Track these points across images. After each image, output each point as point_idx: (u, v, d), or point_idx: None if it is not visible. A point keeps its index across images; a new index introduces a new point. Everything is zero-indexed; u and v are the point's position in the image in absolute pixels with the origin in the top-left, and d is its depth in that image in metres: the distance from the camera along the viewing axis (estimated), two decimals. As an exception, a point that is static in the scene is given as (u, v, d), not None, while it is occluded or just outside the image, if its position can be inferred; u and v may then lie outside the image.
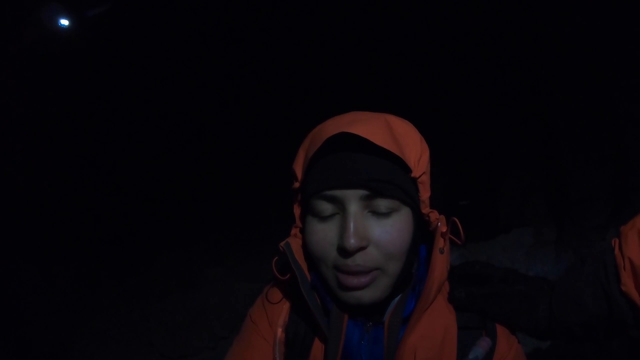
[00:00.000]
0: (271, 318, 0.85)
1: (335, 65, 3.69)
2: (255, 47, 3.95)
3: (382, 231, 0.71)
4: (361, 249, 0.70)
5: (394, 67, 3.67)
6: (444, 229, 0.74)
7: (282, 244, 0.78)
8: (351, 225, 0.69)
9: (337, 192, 0.70)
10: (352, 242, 0.68)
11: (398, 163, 0.71)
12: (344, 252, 0.69)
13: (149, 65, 3.79)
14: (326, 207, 0.72)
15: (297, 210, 0.81)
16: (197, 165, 4.15)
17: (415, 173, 0.72)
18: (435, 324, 0.77)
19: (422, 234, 0.79)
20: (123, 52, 3.60)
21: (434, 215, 0.76)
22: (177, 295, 3.08)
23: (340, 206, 0.71)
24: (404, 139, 0.73)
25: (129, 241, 3.47)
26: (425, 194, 0.75)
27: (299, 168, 0.77)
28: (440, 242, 0.74)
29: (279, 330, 0.83)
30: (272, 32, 3.75)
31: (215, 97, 4.21)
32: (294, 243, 0.79)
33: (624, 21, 2.13)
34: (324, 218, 0.73)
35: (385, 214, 0.71)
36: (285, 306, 0.86)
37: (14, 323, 2.67)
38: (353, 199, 0.70)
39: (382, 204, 0.70)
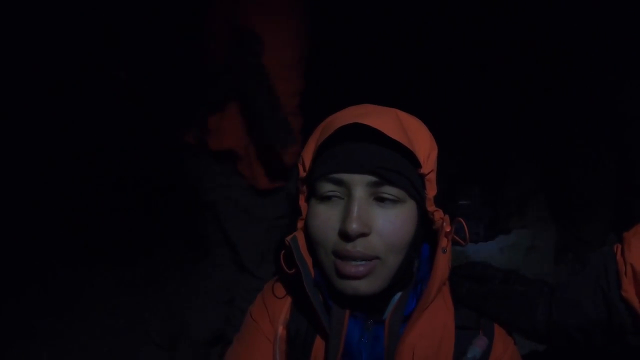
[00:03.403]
0: (272, 315, 0.85)
1: (339, 60, 3.68)
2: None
3: (386, 220, 0.70)
4: (363, 235, 0.69)
5: (396, 66, 3.66)
6: (448, 229, 0.74)
7: (288, 238, 0.78)
8: (355, 209, 0.69)
9: (344, 176, 0.70)
10: (354, 226, 0.67)
11: (407, 158, 0.72)
12: (345, 236, 0.69)
13: (146, 59, 3.78)
14: (331, 190, 0.72)
15: (302, 201, 0.81)
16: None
17: (424, 169, 0.73)
18: (434, 323, 0.77)
19: (424, 232, 0.80)
20: (120, 46, 3.59)
21: (439, 214, 0.76)
22: (174, 287, 3.08)
23: (346, 190, 0.71)
24: (414, 134, 0.73)
25: (126, 232, 3.47)
26: (431, 191, 0.75)
27: (307, 157, 0.77)
28: (443, 242, 0.73)
29: (280, 328, 0.83)
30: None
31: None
32: (300, 237, 0.79)
33: (625, 21, 2.13)
34: (328, 201, 0.73)
35: (391, 204, 0.71)
36: (287, 303, 0.86)
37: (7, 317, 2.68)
38: (360, 184, 0.70)
39: (389, 192, 0.70)
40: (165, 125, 2.25)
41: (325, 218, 0.72)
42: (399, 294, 0.79)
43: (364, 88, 2.68)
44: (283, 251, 0.79)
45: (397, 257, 0.73)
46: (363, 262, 0.71)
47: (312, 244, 0.76)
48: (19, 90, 3.26)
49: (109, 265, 3.24)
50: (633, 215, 2.28)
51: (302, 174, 0.78)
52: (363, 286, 0.72)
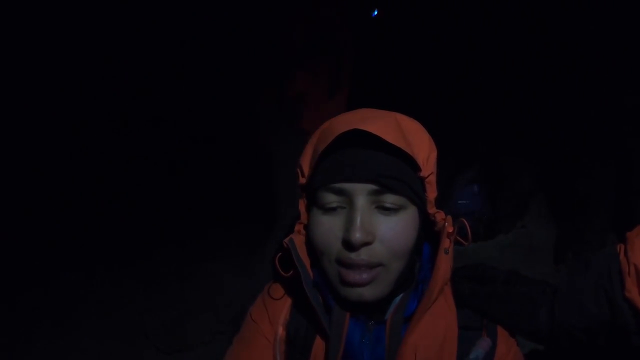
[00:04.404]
0: (272, 316, 0.85)
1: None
2: (254, 44, 3.96)
3: (388, 228, 0.70)
4: (366, 244, 0.69)
5: (396, 67, 3.66)
6: (451, 230, 0.74)
7: (286, 240, 0.78)
8: (358, 219, 0.69)
9: (346, 185, 0.70)
10: (358, 236, 0.67)
11: (407, 162, 0.72)
12: (349, 245, 0.69)
13: (145, 60, 3.79)
14: (333, 200, 0.72)
15: (302, 206, 0.80)
16: (195, 160, 4.14)
17: (424, 172, 0.73)
18: (437, 323, 0.77)
19: (425, 234, 0.79)
20: (118, 49, 3.60)
21: (440, 216, 0.76)
22: (174, 290, 3.08)
23: (348, 200, 0.71)
24: (413, 138, 0.73)
25: (125, 235, 3.47)
26: (432, 194, 0.75)
27: (306, 163, 0.77)
28: (445, 243, 0.73)
29: (280, 328, 0.82)
30: (273, 29, 3.76)
31: (214, 91, 4.20)
32: (298, 239, 0.79)
33: (626, 22, 2.13)
34: (330, 211, 0.73)
35: (393, 211, 0.71)
36: (287, 304, 0.85)
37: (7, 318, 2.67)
38: (361, 193, 0.70)
39: (390, 200, 0.70)
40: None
41: (328, 227, 0.72)
42: (400, 295, 0.78)
43: (365, 90, 2.70)
44: (279, 254, 0.79)
45: (400, 262, 0.73)
46: (367, 270, 0.70)
47: (316, 252, 0.76)
48: (22, 90, 3.30)
49: (108, 269, 3.23)
50: (633, 215, 2.29)
51: (302, 180, 0.78)
52: (367, 293, 0.72)
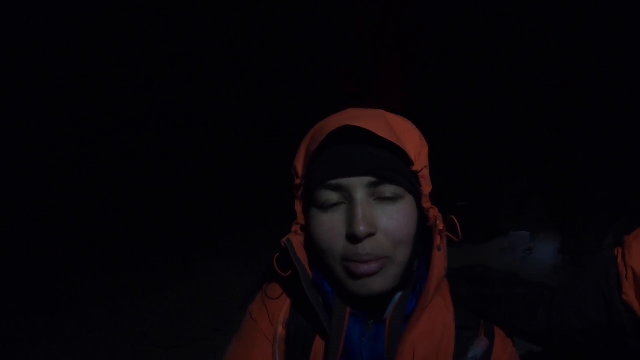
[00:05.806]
0: (272, 315, 0.85)
1: (331, 64, 3.73)
2: (253, 46, 3.97)
3: (389, 218, 0.71)
4: (370, 235, 0.70)
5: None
6: (442, 227, 0.75)
7: (283, 240, 0.78)
8: (359, 211, 0.69)
9: (343, 181, 0.71)
10: (361, 228, 0.68)
11: (400, 157, 0.72)
12: (354, 239, 0.69)
13: (147, 61, 3.79)
14: (332, 197, 0.72)
15: (298, 207, 0.81)
16: (194, 157, 4.15)
17: (416, 167, 0.73)
18: (435, 322, 0.78)
19: (422, 231, 0.80)
20: (119, 49, 3.61)
21: (434, 212, 0.77)
22: (172, 286, 3.08)
23: (347, 195, 0.72)
24: (403, 134, 0.74)
25: (124, 232, 3.47)
26: (426, 188, 0.76)
27: (300, 164, 0.78)
28: (437, 240, 0.75)
29: (280, 328, 0.83)
30: (268, 31, 3.78)
31: (212, 92, 4.21)
32: (295, 239, 0.79)
33: (625, 22, 2.13)
34: (329, 209, 0.73)
35: (391, 201, 0.72)
36: (286, 303, 0.86)
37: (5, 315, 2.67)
38: (359, 186, 0.70)
39: (388, 190, 0.71)
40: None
41: (330, 226, 0.73)
42: (399, 294, 0.79)
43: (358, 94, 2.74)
44: (277, 254, 0.80)
45: (405, 252, 0.74)
46: (374, 261, 0.71)
47: (318, 251, 0.76)
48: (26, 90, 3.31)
49: (107, 266, 3.23)
50: (631, 218, 2.29)
51: (297, 181, 0.78)
52: (376, 284, 0.72)
